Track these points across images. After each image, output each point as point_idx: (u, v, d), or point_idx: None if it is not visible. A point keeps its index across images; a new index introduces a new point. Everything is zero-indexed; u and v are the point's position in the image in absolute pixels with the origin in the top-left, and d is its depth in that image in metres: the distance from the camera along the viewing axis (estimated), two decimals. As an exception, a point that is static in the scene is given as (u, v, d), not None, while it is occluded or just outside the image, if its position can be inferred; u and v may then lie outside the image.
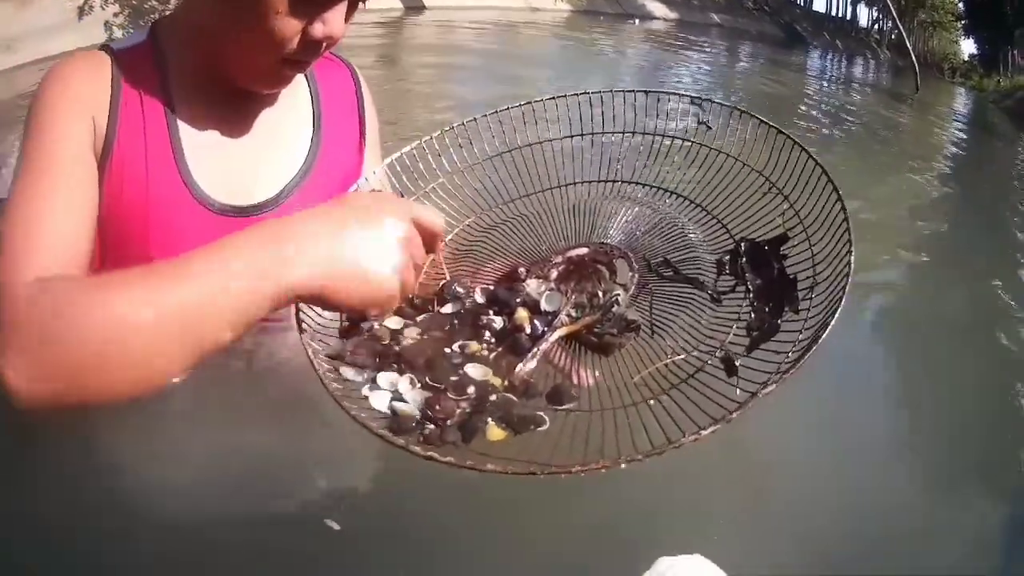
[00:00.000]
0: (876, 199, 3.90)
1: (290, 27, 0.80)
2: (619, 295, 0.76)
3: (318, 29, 0.82)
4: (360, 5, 0.87)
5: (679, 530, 0.88)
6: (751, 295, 0.74)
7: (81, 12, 6.57)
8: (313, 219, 0.66)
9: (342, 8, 0.82)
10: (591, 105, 0.92)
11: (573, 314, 0.75)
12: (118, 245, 0.86)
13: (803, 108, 7.78)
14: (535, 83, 6.68)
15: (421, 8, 13.48)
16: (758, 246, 0.78)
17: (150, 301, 0.59)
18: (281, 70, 0.87)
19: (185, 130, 0.90)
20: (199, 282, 0.60)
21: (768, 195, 0.80)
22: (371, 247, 0.66)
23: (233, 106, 0.94)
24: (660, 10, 20.44)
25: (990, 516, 1.21)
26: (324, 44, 0.84)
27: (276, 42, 0.81)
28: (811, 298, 0.68)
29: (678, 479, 0.89)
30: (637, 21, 18.20)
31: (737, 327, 0.71)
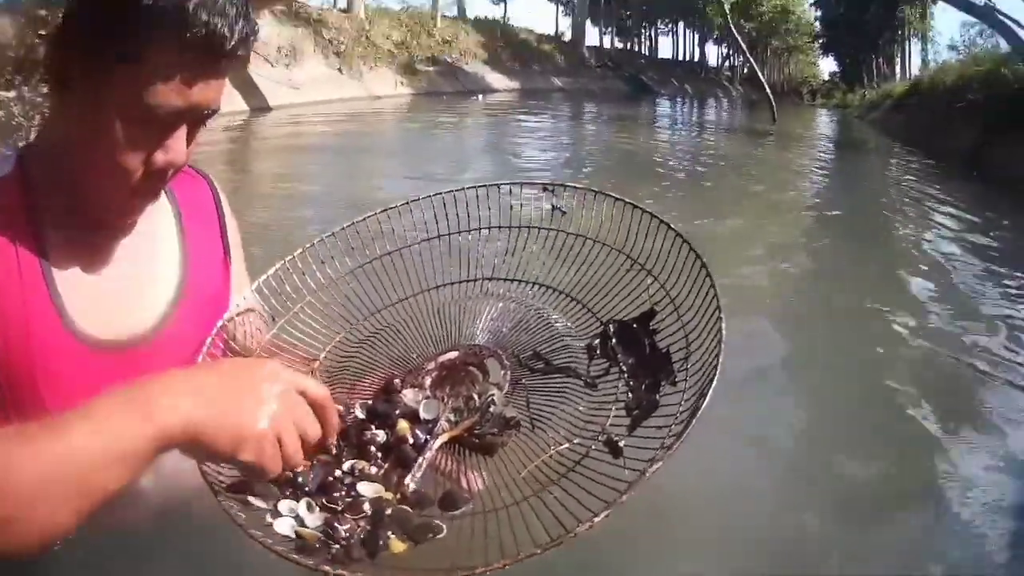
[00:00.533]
0: (746, 234, 4.10)
1: (133, 159, 0.80)
2: (494, 395, 0.78)
3: (159, 158, 0.81)
4: (202, 126, 0.85)
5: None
6: (626, 375, 0.76)
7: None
8: (187, 375, 0.67)
9: (182, 134, 0.81)
10: (444, 205, 0.94)
11: (452, 419, 0.77)
12: (10, 387, 0.83)
13: (659, 158, 8.14)
14: (384, 173, 6.74)
15: (267, 108, 13.57)
16: (626, 325, 0.80)
17: (33, 468, 0.58)
18: (131, 200, 0.85)
19: (58, 265, 0.87)
20: (79, 444, 0.59)
21: (632, 271, 0.83)
22: (244, 395, 0.65)
23: (101, 236, 0.91)
24: (500, 82, 21.18)
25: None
26: (169, 171, 0.83)
27: (120, 174, 0.80)
28: (687, 368, 0.70)
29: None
30: (480, 96, 18.65)
31: (616, 408, 0.73)
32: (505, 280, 0.94)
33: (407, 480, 0.70)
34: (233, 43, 0.77)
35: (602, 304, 0.85)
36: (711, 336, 0.69)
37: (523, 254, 0.93)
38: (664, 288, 0.79)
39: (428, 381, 0.83)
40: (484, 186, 0.94)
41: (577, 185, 0.91)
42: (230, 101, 12.99)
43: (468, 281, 0.95)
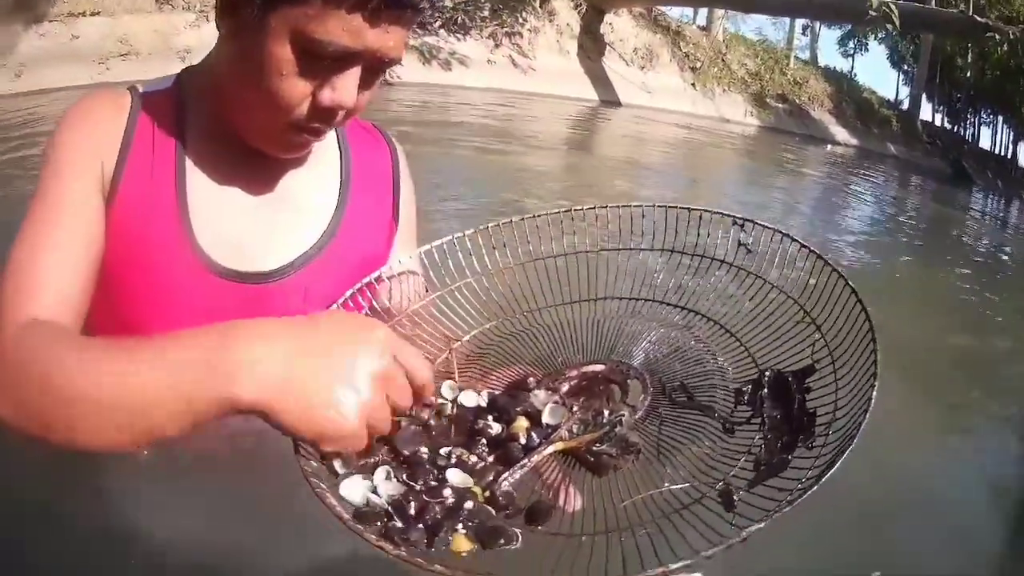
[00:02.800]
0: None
1: (296, 90, 0.77)
2: (624, 415, 0.73)
3: (326, 95, 0.78)
4: (381, 77, 0.82)
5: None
6: (766, 428, 0.70)
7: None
8: (275, 331, 0.61)
9: (354, 75, 0.78)
10: (631, 219, 0.90)
11: (574, 430, 0.72)
12: (111, 286, 0.84)
13: (967, 240, 7.43)
14: (710, 189, 6.67)
15: (616, 103, 14.32)
16: (782, 377, 0.73)
17: (101, 383, 0.60)
18: (290, 135, 0.82)
19: (194, 184, 0.87)
20: (145, 376, 0.59)
21: (801, 323, 0.77)
22: (333, 378, 0.60)
23: (249, 166, 0.89)
24: (841, 135, 20.66)
25: None
26: (338, 112, 0.80)
27: (282, 104, 0.78)
28: (827, 434, 0.63)
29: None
30: (829, 146, 18.26)
31: (745, 459, 0.66)
32: (674, 306, 0.88)
33: (502, 478, 0.65)
34: None
35: (761, 348, 0.79)
36: (859, 403, 0.62)
37: (699, 283, 0.87)
38: (829, 347, 0.72)
39: (565, 387, 0.79)
40: (677, 208, 0.89)
41: (767, 225, 0.84)
42: (581, 89, 14.18)
43: (636, 299, 0.90)
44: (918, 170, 18.97)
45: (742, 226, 0.86)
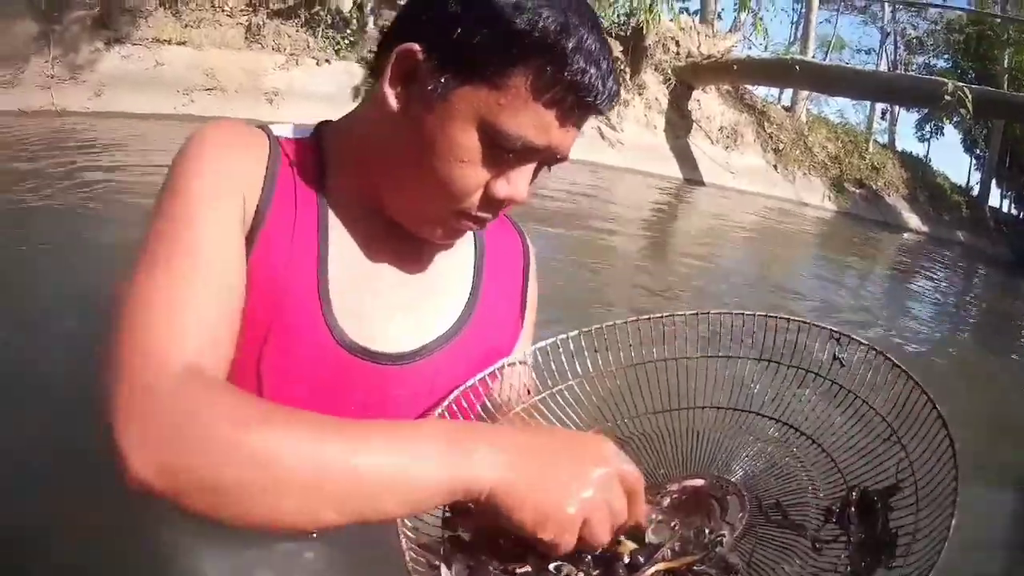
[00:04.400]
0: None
1: (474, 180, 0.75)
2: (724, 535, 0.74)
3: (502, 188, 0.77)
4: (546, 170, 0.82)
5: None
6: (851, 546, 0.71)
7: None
8: (506, 430, 0.65)
9: (530, 170, 0.78)
10: (732, 326, 0.92)
11: (676, 549, 0.73)
12: (251, 348, 0.77)
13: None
14: (787, 277, 6.60)
15: (700, 183, 14.38)
16: (869, 495, 0.75)
17: (316, 458, 0.57)
18: (452, 222, 0.80)
19: (336, 249, 0.82)
20: (379, 457, 0.58)
21: (888, 441, 0.78)
22: (564, 470, 0.63)
23: (392, 241, 0.85)
24: (914, 221, 20.36)
25: None
26: (506, 204, 0.79)
27: (455, 192, 0.76)
28: (907, 555, 0.65)
29: None
30: (904, 234, 18.02)
31: None
32: (769, 418, 0.89)
33: None
34: (604, 96, 0.74)
35: (850, 466, 0.80)
36: (939, 533, 0.64)
37: (793, 394, 0.88)
38: (912, 467, 0.73)
39: (666, 502, 0.80)
40: (777, 318, 0.91)
41: (863, 341, 0.86)
42: (667, 166, 14.32)
43: (734, 409, 0.92)
44: (982, 258, 18.42)
45: (838, 340, 0.87)
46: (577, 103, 0.73)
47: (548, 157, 0.78)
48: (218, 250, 0.72)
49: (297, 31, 10.31)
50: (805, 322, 0.89)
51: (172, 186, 0.74)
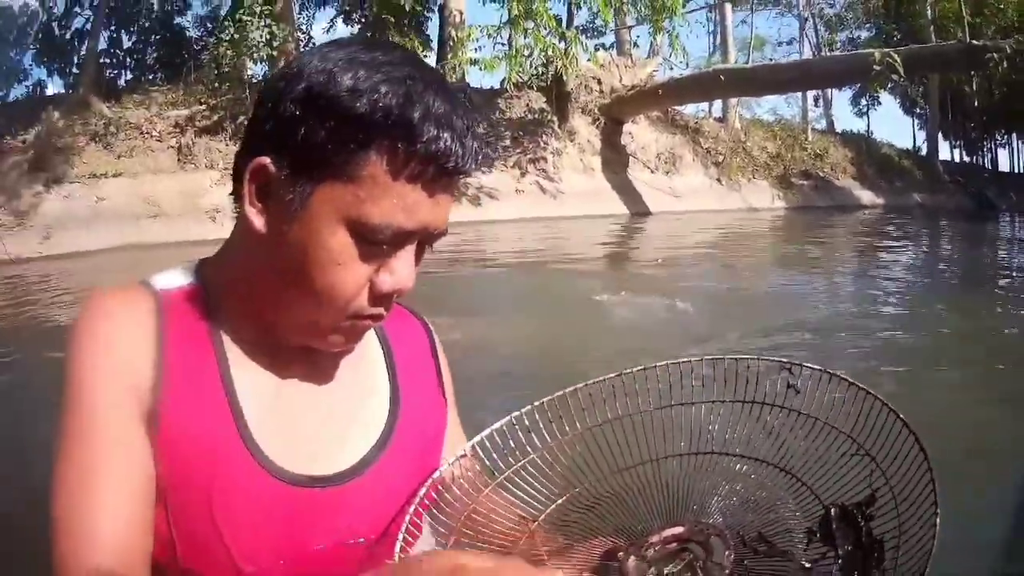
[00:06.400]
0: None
1: (355, 280, 0.74)
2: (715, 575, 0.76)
3: (385, 281, 0.75)
4: (427, 250, 0.80)
5: None
6: (840, 562, 0.74)
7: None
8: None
9: (410, 254, 0.76)
10: (680, 375, 0.93)
11: None
12: (182, 517, 0.75)
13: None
14: (752, 283, 6.87)
15: (647, 213, 14.61)
16: (847, 510, 0.77)
17: None
18: (346, 328, 0.78)
19: (244, 391, 0.79)
20: None
21: (857, 456, 0.81)
22: None
23: (296, 364, 0.83)
24: (868, 197, 20.84)
25: None
26: (395, 296, 0.77)
27: (339, 297, 0.74)
28: (896, 558, 0.68)
29: None
30: (866, 211, 18.46)
31: None
32: (734, 456, 0.91)
33: None
34: (465, 157, 0.72)
35: (823, 486, 0.83)
36: (925, 532, 0.67)
37: (753, 428, 0.90)
38: (886, 476, 0.76)
39: (651, 553, 0.81)
40: (725, 359, 0.92)
41: (814, 367, 0.88)
42: (611, 205, 14.46)
43: (697, 454, 0.92)
44: (943, 212, 18.82)
45: (790, 369, 0.89)
46: (438, 172, 0.71)
47: (425, 236, 0.76)
48: (118, 445, 0.72)
49: (227, 145, 10.41)
50: (754, 358, 0.91)
51: (68, 373, 0.74)
